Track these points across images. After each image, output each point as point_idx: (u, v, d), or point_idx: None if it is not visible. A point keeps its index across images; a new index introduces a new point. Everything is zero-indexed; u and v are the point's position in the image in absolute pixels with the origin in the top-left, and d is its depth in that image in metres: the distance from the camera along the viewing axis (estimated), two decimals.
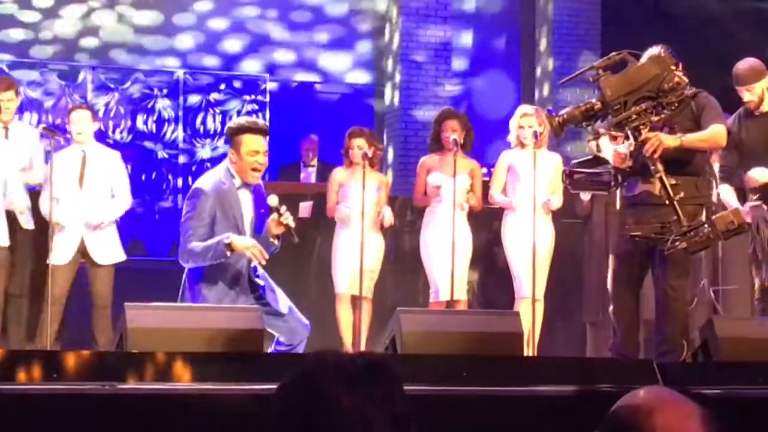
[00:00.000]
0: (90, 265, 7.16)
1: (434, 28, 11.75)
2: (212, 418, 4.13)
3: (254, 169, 5.64)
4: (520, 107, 7.76)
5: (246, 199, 5.68)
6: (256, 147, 5.63)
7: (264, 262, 5.57)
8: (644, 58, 5.81)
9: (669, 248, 5.61)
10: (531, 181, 7.11)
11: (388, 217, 7.63)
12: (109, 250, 7.21)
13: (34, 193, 7.32)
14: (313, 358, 1.84)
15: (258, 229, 5.70)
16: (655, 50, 5.83)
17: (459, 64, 12.43)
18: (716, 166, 6.67)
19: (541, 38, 12.10)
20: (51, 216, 6.90)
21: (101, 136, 9.46)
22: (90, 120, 7.28)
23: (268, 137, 5.80)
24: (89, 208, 7.11)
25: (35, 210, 7.21)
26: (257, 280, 5.69)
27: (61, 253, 7.03)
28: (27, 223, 7.20)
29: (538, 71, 12.07)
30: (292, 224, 5.59)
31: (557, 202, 7.50)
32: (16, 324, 7.26)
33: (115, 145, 9.93)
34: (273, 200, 5.62)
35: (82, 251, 7.11)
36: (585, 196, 7.91)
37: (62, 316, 7.03)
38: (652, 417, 1.84)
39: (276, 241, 5.64)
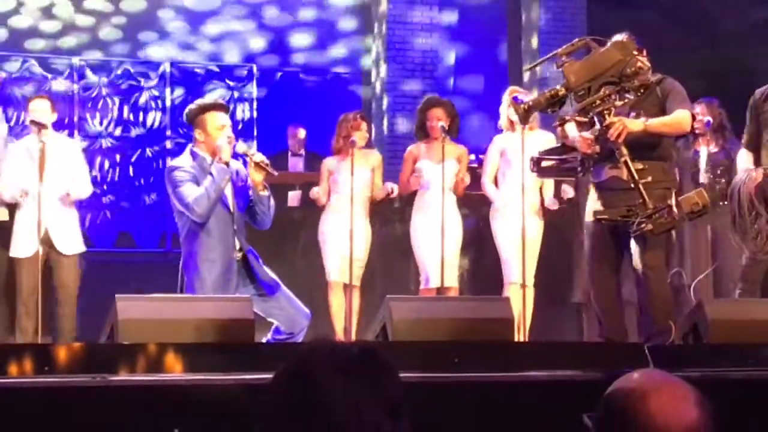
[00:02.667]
0: (54, 255, 7.10)
1: (420, 15, 11.71)
2: (204, 408, 4.13)
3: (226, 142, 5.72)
4: (509, 89, 7.72)
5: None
6: (222, 122, 5.79)
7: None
8: (607, 44, 5.85)
9: (635, 230, 5.67)
10: (520, 167, 7.10)
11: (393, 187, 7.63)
12: (73, 240, 7.18)
13: None
14: (307, 348, 1.84)
15: (240, 204, 5.77)
16: (618, 37, 5.88)
17: (446, 50, 12.40)
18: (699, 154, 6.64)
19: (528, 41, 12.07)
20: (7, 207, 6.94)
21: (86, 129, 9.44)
22: (49, 110, 7.25)
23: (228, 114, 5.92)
24: (49, 198, 7.00)
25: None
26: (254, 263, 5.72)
27: (24, 246, 7.02)
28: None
29: (526, 76, 12.03)
30: (266, 159, 5.71)
31: (550, 190, 7.55)
32: None
33: (101, 137, 9.91)
34: (241, 146, 5.80)
35: (47, 242, 7.02)
36: (568, 192, 7.93)
37: (41, 310, 6.90)
38: (645, 400, 1.84)
39: (266, 191, 5.76)
